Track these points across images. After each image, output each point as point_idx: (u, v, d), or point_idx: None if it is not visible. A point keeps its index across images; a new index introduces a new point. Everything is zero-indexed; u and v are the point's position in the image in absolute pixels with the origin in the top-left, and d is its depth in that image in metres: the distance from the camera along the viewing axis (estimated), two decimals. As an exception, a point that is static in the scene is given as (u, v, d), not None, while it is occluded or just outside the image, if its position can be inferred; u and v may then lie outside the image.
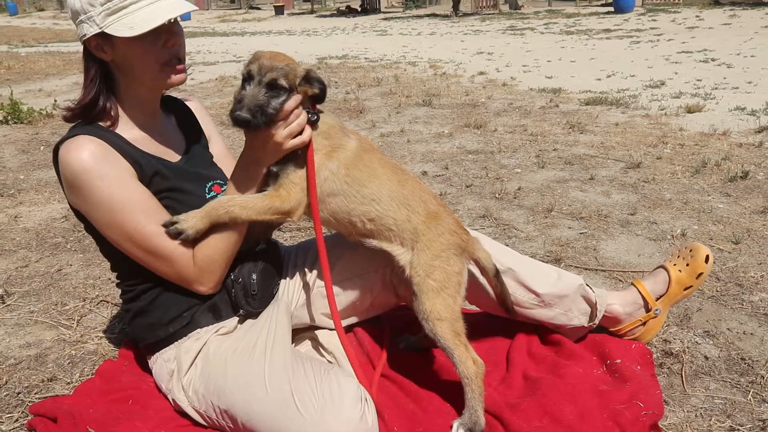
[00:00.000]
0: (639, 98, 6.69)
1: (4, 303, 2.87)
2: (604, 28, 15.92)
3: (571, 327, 2.17)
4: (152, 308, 1.97)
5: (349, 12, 31.27)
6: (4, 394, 2.19)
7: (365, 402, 1.71)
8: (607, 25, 16.89)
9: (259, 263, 2.00)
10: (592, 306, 2.16)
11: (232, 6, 39.94)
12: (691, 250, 2.21)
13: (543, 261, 2.93)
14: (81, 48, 1.89)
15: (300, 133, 1.77)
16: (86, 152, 1.74)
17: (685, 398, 1.99)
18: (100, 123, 1.87)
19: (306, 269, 2.15)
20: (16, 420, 2.05)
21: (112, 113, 1.88)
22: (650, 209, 3.55)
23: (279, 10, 33.26)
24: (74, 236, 3.64)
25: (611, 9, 21.57)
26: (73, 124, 1.88)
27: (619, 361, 2.08)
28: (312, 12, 34.12)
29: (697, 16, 17.48)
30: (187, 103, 2.22)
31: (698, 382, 2.06)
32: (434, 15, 26.22)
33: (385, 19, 26.33)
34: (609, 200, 3.74)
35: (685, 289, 2.20)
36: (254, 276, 1.96)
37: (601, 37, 14.07)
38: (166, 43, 1.80)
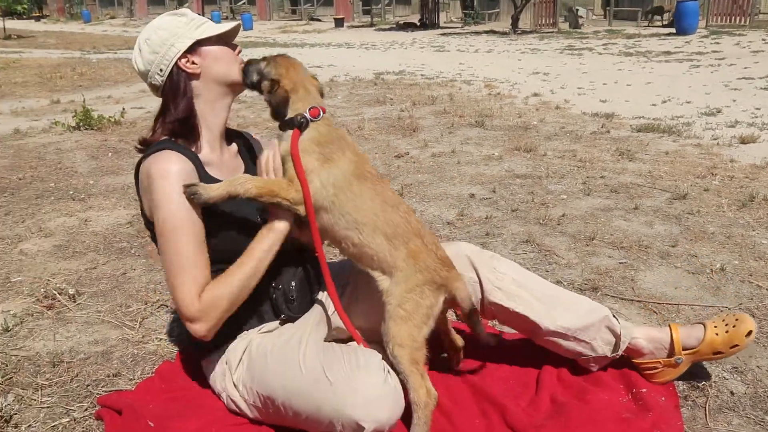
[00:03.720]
0: (692, 126, 6.67)
1: (75, 302, 3.13)
2: (664, 51, 15.74)
3: (594, 356, 2.26)
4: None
5: (408, 26, 31.55)
6: (75, 385, 2.43)
7: (388, 372, 1.87)
8: (667, 47, 16.68)
9: (299, 272, 2.23)
10: (617, 337, 2.23)
11: (293, 17, 40.73)
12: (737, 320, 2.20)
13: (580, 289, 3.05)
14: None
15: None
16: (174, 166, 1.97)
17: (707, 431, 2.07)
18: (186, 141, 2.12)
19: (343, 281, 2.31)
20: (86, 409, 2.28)
21: (199, 129, 2.14)
22: (692, 242, 3.60)
23: (339, 23, 33.78)
24: (138, 242, 3.90)
25: (673, 30, 21.25)
26: (159, 141, 2.10)
27: (644, 390, 2.17)
28: (371, 25, 34.54)
29: (763, 40, 17.06)
30: (250, 138, 2.45)
31: (721, 417, 2.13)
32: (493, 32, 26.25)
33: (444, 34, 26.49)
34: (651, 231, 3.80)
35: (714, 353, 2.20)
36: (293, 283, 2.19)
37: (660, 59, 13.93)
38: (235, 50, 2.18)
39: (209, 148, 2.17)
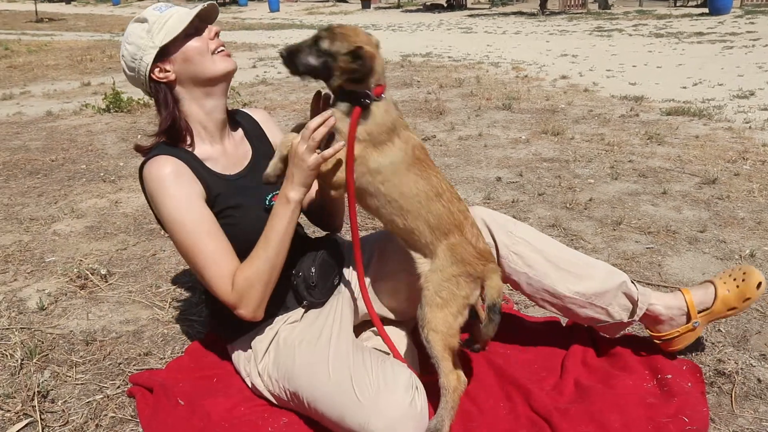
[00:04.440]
0: (724, 109, 6.55)
1: (107, 282, 3.20)
2: (696, 31, 15.41)
3: (612, 323, 2.24)
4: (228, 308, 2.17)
5: (435, 7, 31.29)
6: (108, 363, 2.50)
7: (416, 390, 1.87)
8: (699, 27, 16.33)
9: (318, 257, 2.21)
10: (634, 303, 2.21)
11: (321, -2, 40.62)
12: (744, 273, 2.21)
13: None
14: None
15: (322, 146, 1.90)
16: (165, 169, 1.98)
17: (733, 418, 2.06)
18: (180, 143, 2.11)
19: (365, 260, 2.28)
20: (118, 387, 2.34)
21: (190, 132, 2.12)
22: (721, 227, 3.56)
23: (366, 4, 33.61)
24: (168, 224, 3.96)
25: (706, 10, 20.81)
26: (155, 145, 2.12)
27: (670, 376, 2.17)
28: (398, 6, 34.32)
29: (799, 20, 16.67)
30: (253, 114, 2.42)
31: (748, 404, 2.12)
32: (521, 13, 25.95)
33: (471, 16, 26.24)
34: (679, 216, 3.77)
35: (728, 310, 2.21)
36: (313, 269, 2.18)
37: (692, 41, 13.66)
38: (210, 34, 2.08)
39: (209, 144, 2.17)
